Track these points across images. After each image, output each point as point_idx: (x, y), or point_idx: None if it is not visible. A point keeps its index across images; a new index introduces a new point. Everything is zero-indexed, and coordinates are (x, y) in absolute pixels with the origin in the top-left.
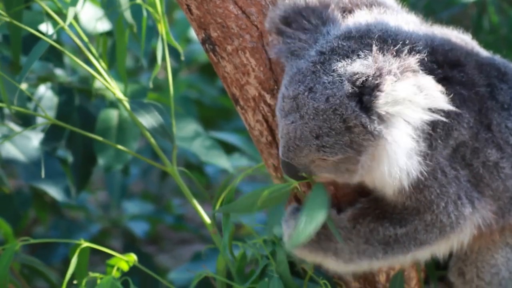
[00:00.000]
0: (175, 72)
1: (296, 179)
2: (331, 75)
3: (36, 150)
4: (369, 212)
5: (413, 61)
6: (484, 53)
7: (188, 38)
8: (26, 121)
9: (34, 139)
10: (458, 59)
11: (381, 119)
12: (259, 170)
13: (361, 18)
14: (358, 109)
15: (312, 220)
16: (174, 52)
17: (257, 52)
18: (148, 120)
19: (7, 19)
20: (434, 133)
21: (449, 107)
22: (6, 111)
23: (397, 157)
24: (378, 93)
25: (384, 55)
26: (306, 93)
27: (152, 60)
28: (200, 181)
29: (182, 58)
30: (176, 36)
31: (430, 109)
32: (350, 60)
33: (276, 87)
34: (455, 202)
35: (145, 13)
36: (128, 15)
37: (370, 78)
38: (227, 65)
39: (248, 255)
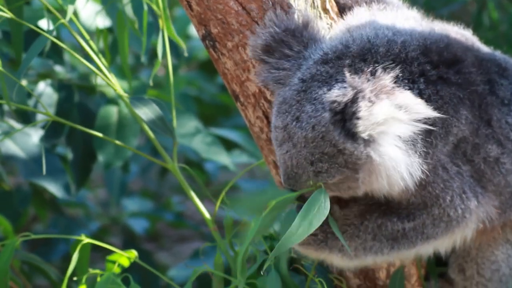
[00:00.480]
0: (174, 69)
1: (303, 200)
2: (313, 104)
3: (36, 147)
4: (375, 209)
5: (387, 79)
6: (484, 48)
7: (188, 35)
8: (26, 118)
9: (34, 136)
10: (454, 56)
11: (366, 142)
12: (260, 167)
13: (358, 17)
14: (343, 136)
15: (312, 221)
16: (174, 49)
17: None
18: (148, 115)
19: (8, 15)
20: (433, 132)
21: (434, 114)
22: (6, 108)
23: (393, 168)
24: (355, 120)
25: (358, 77)
26: (294, 123)
27: (152, 57)
28: (199, 178)
29: (186, 54)
30: (176, 33)
31: (414, 121)
32: (329, 86)
33: None
34: (460, 195)
35: (145, 7)
36: (128, 10)
37: (348, 105)
38: (228, 61)
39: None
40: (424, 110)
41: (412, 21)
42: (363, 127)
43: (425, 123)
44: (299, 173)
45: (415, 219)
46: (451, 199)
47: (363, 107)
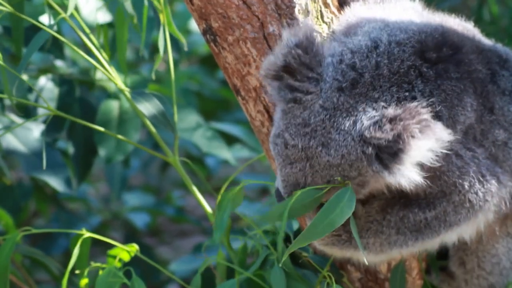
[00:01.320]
0: (175, 64)
1: None
2: (341, 134)
3: (37, 141)
4: (395, 202)
5: (425, 113)
6: (485, 40)
7: (188, 30)
8: (27, 112)
9: (35, 130)
10: (452, 47)
11: (398, 170)
12: (260, 161)
13: (355, 14)
14: (379, 167)
15: (334, 220)
16: (175, 44)
17: (258, 42)
18: (149, 109)
19: (10, 10)
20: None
21: (451, 137)
22: (7, 102)
23: (398, 183)
24: (401, 155)
25: (393, 109)
26: (319, 148)
27: (153, 51)
28: (201, 173)
29: (186, 48)
30: (176, 28)
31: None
32: (354, 118)
33: None
34: (479, 180)
35: (146, 3)
36: (128, 5)
37: (390, 139)
38: (228, 55)
39: (248, 246)
40: (448, 138)
41: (412, 11)
42: (407, 162)
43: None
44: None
45: (435, 208)
46: (470, 184)
47: (411, 144)
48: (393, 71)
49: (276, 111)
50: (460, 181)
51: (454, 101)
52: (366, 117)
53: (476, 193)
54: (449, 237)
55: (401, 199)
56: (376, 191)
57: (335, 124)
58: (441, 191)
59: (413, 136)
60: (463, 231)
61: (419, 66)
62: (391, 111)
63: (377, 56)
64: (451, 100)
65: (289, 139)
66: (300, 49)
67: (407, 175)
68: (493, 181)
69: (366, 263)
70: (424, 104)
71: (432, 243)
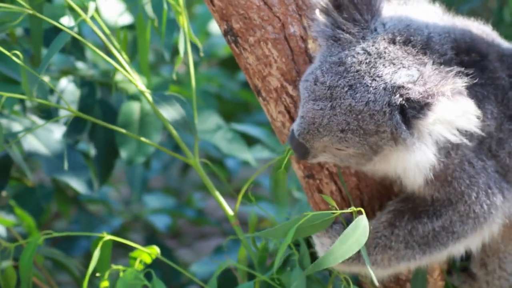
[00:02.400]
0: (195, 66)
1: (302, 158)
2: (375, 80)
3: (59, 143)
4: (404, 210)
5: (461, 83)
6: (505, 44)
7: (208, 32)
8: (48, 114)
9: (57, 132)
10: (480, 55)
11: (418, 134)
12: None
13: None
14: (401, 121)
15: (351, 247)
16: (195, 45)
17: (279, 43)
18: (170, 112)
19: (30, 12)
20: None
21: (479, 131)
22: (29, 104)
23: (412, 165)
24: (428, 111)
25: (432, 71)
26: (345, 89)
27: (173, 53)
28: (222, 174)
29: (201, 54)
30: (196, 30)
31: (464, 132)
32: (395, 68)
33: (298, 78)
34: (486, 191)
35: (165, 6)
36: (148, 8)
37: (421, 95)
38: (249, 56)
39: (269, 246)
40: (476, 124)
41: (434, 15)
42: (431, 120)
43: (464, 138)
44: (322, 133)
45: (441, 216)
46: (477, 196)
47: (441, 102)
48: (441, 52)
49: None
50: (469, 190)
51: (476, 106)
52: (407, 73)
53: (481, 205)
54: (457, 249)
55: (409, 204)
56: (381, 177)
57: (373, 69)
58: (448, 199)
59: (443, 95)
60: (470, 243)
61: (456, 63)
62: (430, 71)
63: (429, 32)
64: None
65: (320, 75)
66: None
67: (422, 147)
68: (499, 195)
69: (375, 280)
70: (463, 78)
71: (440, 256)
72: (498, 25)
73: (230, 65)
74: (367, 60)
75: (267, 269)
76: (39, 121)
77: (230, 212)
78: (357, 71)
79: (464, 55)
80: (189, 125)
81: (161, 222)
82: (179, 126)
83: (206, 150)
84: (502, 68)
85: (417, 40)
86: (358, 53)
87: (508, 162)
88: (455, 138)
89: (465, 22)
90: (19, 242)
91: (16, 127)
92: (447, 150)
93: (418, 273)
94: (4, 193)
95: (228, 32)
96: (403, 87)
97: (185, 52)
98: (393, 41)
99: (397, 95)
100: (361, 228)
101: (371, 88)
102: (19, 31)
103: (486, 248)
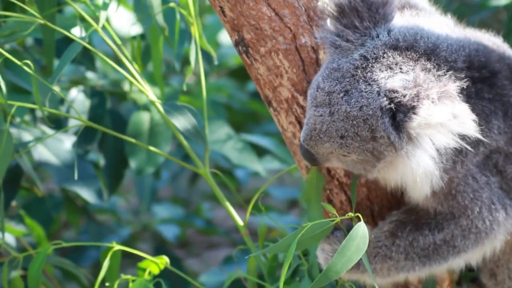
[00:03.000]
0: (205, 76)
1: (312, 164)
2: (370, 85)
3: (69, 153)
4: (406, 221)
5: (452, 86)
6: None
7: (218, 42)
8: (58, 124)
9: (67, 142)
10: (491, 72)
11: (409, 138)
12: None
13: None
14: (389, 125)
15: (351, 258)
16: (205, 56)
17: (290, 54)
18: (181, 122)
19: (41, 21)
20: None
21: (478, 135)
22: (39, 114)
23: (413, 172)
24: (413, 115)
25: (426, 75)
26: (341, 95)
27: (183, 63)
28: (231, 185)
29: (216, 62)
30: (206, 40)
31: (460, 136)
32: (392, 73)
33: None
34: (489, 207)
35: (178, 16)
36: (160, 18)
37: (408, 99)
38: (260, 67)
39: (279, 257)
40: (473, 127)
41: (445, 27)
42: (416, 124)
43: (463, 142)
44: (323, 139)
45: (443, 230)
46: (479, 211)
47: (425, 105)
48: (449, 60)
49: None
50: (472, 205)
51: (482, 121)
52: (402, 78)
53: (484, 220)
54: (457, 263)
55: (412, 215)
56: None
57: (369, 74)
58: (450, 213)
59: (428, 98)
60: (470, 257)
61: (467, 77)
62: (422, 75)
63: (438, 40)
64: (478, 120)
65: (321, 82)
66: None
67: (418, 153)
68: (502, 211)
69: (370, 283)
70: (456, 82)
71: (439, 269)
72: (508, 36)
73: (239, 75)
74: (363, 65)
75: (277, 279)
76: (49, 131)
77: (240, 222)
78: (353, 76)
79: (476, 71)
80: (200, 135)
81: (170, 232)
82: (190, 136)
83: (216, 160)
84: (511, 86)
85: (421, 46)
86: (355, 59)
87: None
88: (453, 143)
89: (476, 34)
90: (28, 252)
91: (27, 137)
92: (453, 161)
93: (428, 283)
94: (14, 203)
95: (239, 43)
96: (394, 91)
97: (196, 62)
98: (394, 47)
99: (388, 99)
100: (360, 236)
101: (364, 93)
102: (29, 41)
103: (496, 259)
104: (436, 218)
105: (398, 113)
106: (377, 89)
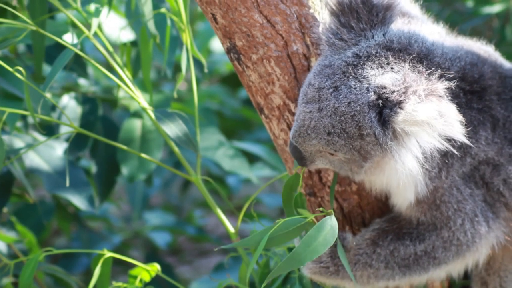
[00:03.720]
0: (197, 83)
1: (300, 163)
2: (360, 81)
3: (60, 160)
4: (388, 230)
5: (440, 86)
6: (507, 64)
7: (210, 49)
8: (50, 130)
9: (58, 149)
10: (481, 87)
11: (395, 135)
12: (282, 180)
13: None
14: (376, 121)
15: (316, 248)
16: (197, 63)
17: (282, 61)
18: (172, 129)
19: (33, 28)
20: (450, 152)
21: (464, 139)
22: (30, 120)
23: (400, 172)
24: (398, 110)
25: (416, 75)
26: (330, 90)
27: (175, 70)
28: (223, 192)
29: (206, 70)
30: (198, 47)
31: (445, 137)
32: (382, 71)
33: None
34: (471, 219)
35: (169, 23)
36: (151, 25)
37: (395, 95)
38: (252, 74)
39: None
40: (460, 129)
41: (437, 36)
42: (401, 119)
43: (448, 145)
44: (311, 136)
45: (424, 240)
46: (462, 223)
47: (411, 100)
48: (442, 66)
49: None
50: (455, 216)
51: (470, 132)
52: (393, 76)
53: (465, 233)
54: (437, 274)
55: (394, 230)
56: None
57: (359, 71)
58: (433, 224)
59: (414, 94)
60: (451, 269)
61: (457, 86)
62: (412, 75)
63: (432, 46)
64: (466, 130)
65: (311, 78)
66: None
67: (403, 153)
68: (484, 223)
69: None
70: (445, 82)
71: (419, 279)
72: (500, 43)
73: (231, 82)
74: (355, 63)
75: (269, 286)
76: (41, 137)
77: (231, 229)
78: (343, 72)
79: (467, 84)
80: (192, 142)
81: (161, 239)
82: (181, 143)
83: (207, 167)
84: (499, 102)
85: (414, 50)
86: (348, 56)
87: (501, 189)
88: (439, 145)
89: (468, 42)
90: (20, 259)
91: (18, 143)
92: (438, 170)
93: None
94: (5, 210)
95: (231, 50)
96: (383, 87)
97: (188, 69)
98: (388, 48)
99: (376, 95)
100: (328, 227)
101: (354, 89)
102: (21, 47)
103: (487, 267)
104: (418, 228)
105: (385, 109)
106: (366, 85)
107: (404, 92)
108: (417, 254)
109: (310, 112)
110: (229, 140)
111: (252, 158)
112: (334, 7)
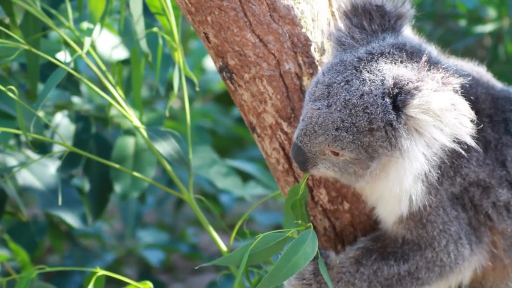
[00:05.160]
0: (190, 101)
1: (302, 167)
2: (374, 74)
3: (53, 178)
4: (373, 249)
5: (456, 81)
6: (498, 86)
7: (203, 68)
8: (43, 148)
9: (51, 167)
10: (477, 109)
11: (406, 124)
12: (274, 199)
13: None
14: (390, 107)
15: (297, 263)
16: (189, 81)
17: (274, 80)
18: (165, 147)
19: (26, 47)
20: (442, 169)
21: (472, 142)
22: (23, 138)
23: (405, 176)
24: (415, 92)
25: (430, 69)
26: (342, 84)
27: (168, 88)
28: (215, 210)
29: (197, 88)
30: (191, 65)
31: (453, 138)
32: (397, 67)
33: (293, 115)
34: (456, 241)
35: (161, 42)
36: (144, 43)
37: (411, 84)
38: (244, 93)
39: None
40: (470, 125)
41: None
42: (416, 103)
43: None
44: (318, 133)
45: (409, 261)
46: (446, 244)
47: (428, 85)
48: None
49: None
50: (439, 237)
51: (461, 152)
52: (408, 70)
53: (449, 254)
54: None
55: (379, 248)
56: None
57: (374, 65)
58: (417, 244)
59: (431, 86)
60: None
61: None
62: (426, 67)
63: (437, 58)
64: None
65: (320, 77)
66: (375, 2)
67: (412, 148)
68: (467, 246)
69: None
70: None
71: None
72: (492, 63)
73: (224, 100)
74: (368, 58)
75: None
76: (34, 155)
77: (223, 247)
78: (355, 67)
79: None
80: (184, 160)
81: (154, 257)
82: (174, 161)
83: (200, 185)
84: (490, 125)
85: (423, 56)
86: (361, 52)
87: (489, 212)
88: (447, 142)
89: (460, 63)
90: (12, 277)
91: (11, 161)
92: (428, 188)
93: None
94: None
95: (224, 69)
96: (400, 76)
97: (180, 88)
98: (400, 48)
99: (393, 84)
100: (308, 241)
101: (367, 82)
102: (14, 66)
103: (479, 286)
104: (403, 247)
105: (400, 95)
106: (381, 77)
107: (420, 81)
108: (400, 274)
109: (319, 109)
110: (222, 158)
111: (245, 177)
112: (347, 9)
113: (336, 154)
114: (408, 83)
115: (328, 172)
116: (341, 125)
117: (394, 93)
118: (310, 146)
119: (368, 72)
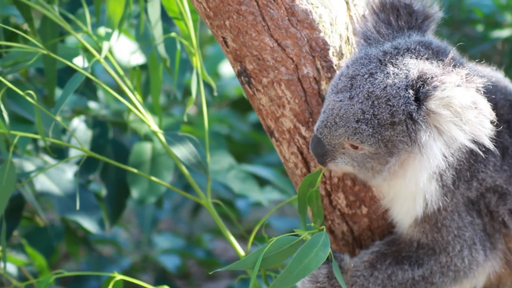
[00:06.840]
0: (206, 106)
1: (320, 160)
2: (399, 68)
3: (70, 183)
4: (387, 253)
5: (479, 80)
6: None
7: (219, 74)
8: (60, 154)
9: (68, 172)
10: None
11: (427, 118)
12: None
13: None
14: (412, 98)
15: (308, 265)
16: (207, 86)
17: (292, 84)
18: (183, 152)
19: (44, 52)
20: (459, 171)
21: (490, 145)
22: (41, 143)
23: (422, 174)
24: (438, 84)
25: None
26: (366, 76)
27: (185, 93)
28: (233, 215)
29: (215, 93)
30: (207, 71)
31: (472, 138)
32: (422, 62)
33: (311, 119)
34: (470, 246)
35: (179, 47)
36: (161, 48)
37: (436, 76)
38: (263, 97)
39: None
40: (489, 126)
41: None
42: (438, 96)
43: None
44: (338, 125)
45: (423, 265)
46: (460, 249)
47: (452, 80)
48: None
49: None
50: (454, 242)
51: (478, 157)
52: (434, 66)
53: (463, 259)
54: None
55: (393, 253)
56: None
57: (399, 59)
58: (432, 249)
59: (454, 82)
60: None
61: None
62: (452, 68)
63: (460, 60)
64: (475, 155)
65: (344, 69)
66: (404, 1)
67: (431, 143)
68: (482, 252)
69: None
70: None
71: None
72: (509, 68)
73: (240, 106)
74: (394, 52)
75: None
76: (51, 160)
77: (241, 252)
78: (380, 61)
79: None
80: (202, 165)
81: (170, 262)
82: (192, 166)
83: (216, 191)
84: (507, 130)
85: (449, 54)
86: (386, 47)
87: (506, 219)
88: (466, 142)
89: (479, 68)
90: (29, 281)
91: (29, 166)
92: (444, 189)
93: None
94: (15, 232)
95: (242, 73)
96: (425, 71)
97: (198, 93)
98: (426, 46)
99: (417, 76)
100: (320, 243)
101: (391, 75)
102: (31, 71)
103: None
104: (418, 252)
105: (423, 87)
106: (405, 71)
107: (444, 75)
108: (414, 279)
109: (341, 100)
110: (238, 163)
111: (261, 182)
112: (375, 5)
113: (355, 147)
114: (432, 77)
115: (346, 167)
116: (362, 117)
117: (418, 85)
118: (330, 138)
119: (393, 66)
